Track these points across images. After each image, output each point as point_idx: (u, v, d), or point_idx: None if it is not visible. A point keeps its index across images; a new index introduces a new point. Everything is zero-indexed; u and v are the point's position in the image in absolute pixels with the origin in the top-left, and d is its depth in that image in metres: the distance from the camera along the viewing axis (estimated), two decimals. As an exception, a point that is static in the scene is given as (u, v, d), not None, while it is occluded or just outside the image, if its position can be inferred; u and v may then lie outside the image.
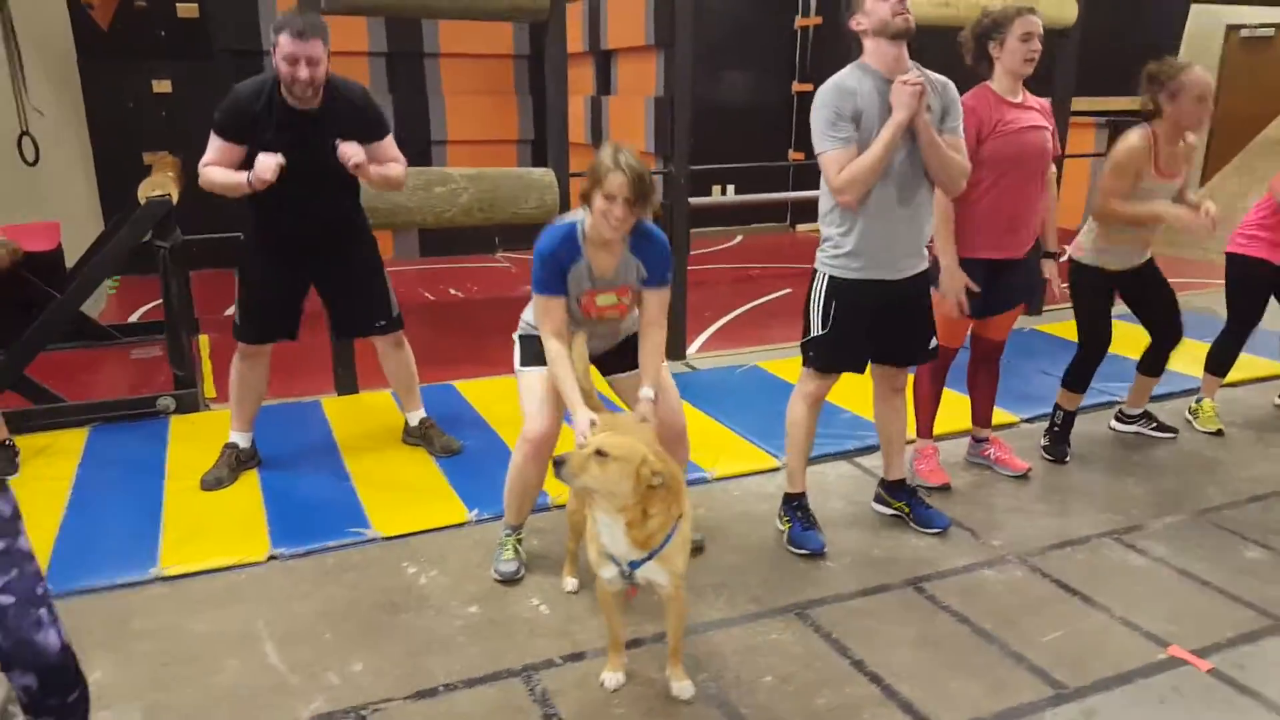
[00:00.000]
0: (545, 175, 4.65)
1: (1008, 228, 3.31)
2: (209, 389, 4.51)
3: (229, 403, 3.63)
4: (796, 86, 9.27)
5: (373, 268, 3.56)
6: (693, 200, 5.15)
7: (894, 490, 3.33)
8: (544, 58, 4.71)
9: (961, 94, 3.04)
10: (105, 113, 6.96)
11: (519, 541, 2.95)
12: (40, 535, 3.03)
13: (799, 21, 9.27)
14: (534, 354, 2.78)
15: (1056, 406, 3.90)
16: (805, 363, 3.07)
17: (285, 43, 3.02)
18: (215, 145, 3.17)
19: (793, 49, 9.29)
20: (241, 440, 3.58)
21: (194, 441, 3.79)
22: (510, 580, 2.86)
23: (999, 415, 3.98)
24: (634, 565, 2.22)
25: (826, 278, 2.95)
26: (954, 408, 3.84)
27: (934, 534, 3.20)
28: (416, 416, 3.83)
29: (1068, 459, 3.84)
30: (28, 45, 6.46)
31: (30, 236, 5.24)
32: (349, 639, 2.58)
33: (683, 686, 2.35)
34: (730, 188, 9.25)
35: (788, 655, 2.52)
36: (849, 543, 3.15)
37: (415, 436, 3.80)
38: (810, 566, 3.00)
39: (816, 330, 3.00)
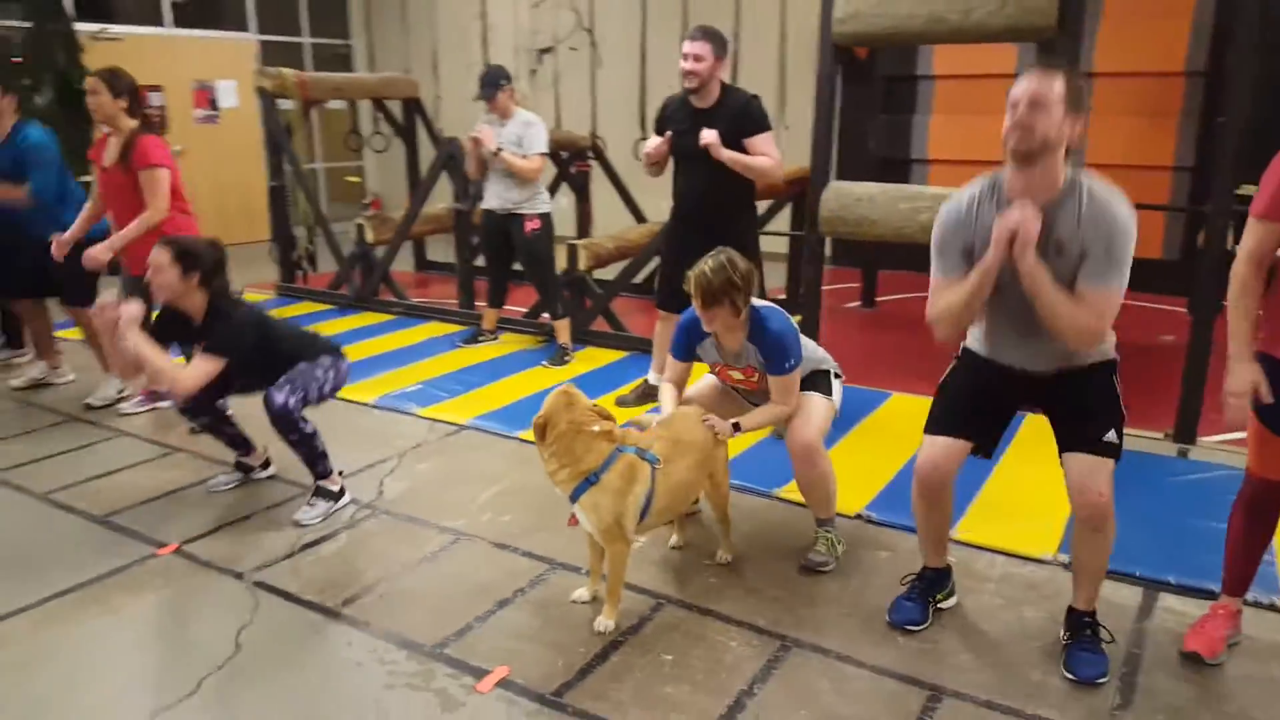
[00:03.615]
0: (1021, 203, 4.37)
1: None
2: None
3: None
4: None
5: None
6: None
7: (1069, 618, 2.65)
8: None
9: None
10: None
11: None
12: (502, 399, 4.77)
13: None
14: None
15: None
16: None
17: (685, 41, 4.03)
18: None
19: None
20: (653, 378, 4.69)
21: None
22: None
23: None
24: (570, 498, 2.70)
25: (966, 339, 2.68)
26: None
27: (1071, 680, 2.50)
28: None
29: None
30: (800, 66, 8.12)
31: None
32: (526, 505, 3.53)
33: (602, 622, 2.70)
34: None
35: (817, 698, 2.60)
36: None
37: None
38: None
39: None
